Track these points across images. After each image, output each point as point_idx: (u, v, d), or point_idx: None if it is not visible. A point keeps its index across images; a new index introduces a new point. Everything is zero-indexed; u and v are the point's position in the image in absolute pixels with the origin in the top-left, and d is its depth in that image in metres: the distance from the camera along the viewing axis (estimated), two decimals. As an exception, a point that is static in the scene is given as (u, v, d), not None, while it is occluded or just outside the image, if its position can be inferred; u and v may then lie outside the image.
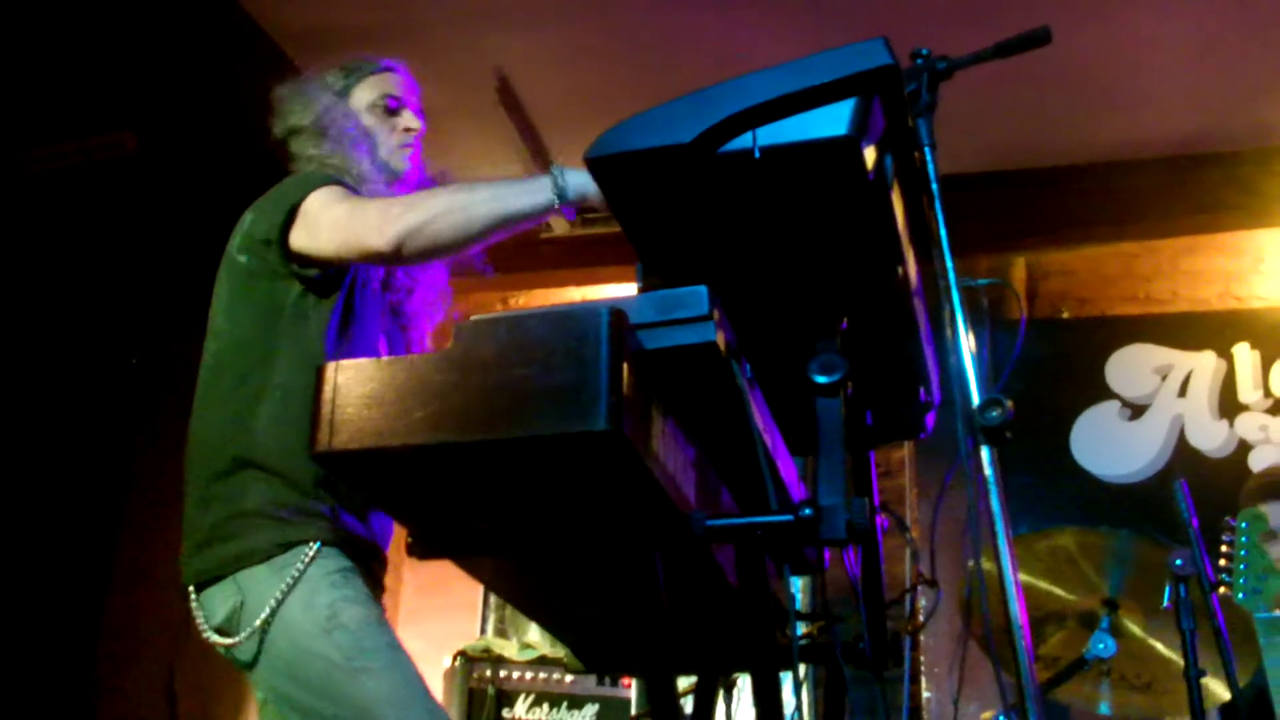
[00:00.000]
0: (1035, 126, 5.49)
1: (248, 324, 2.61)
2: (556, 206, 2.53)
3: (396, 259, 2.49)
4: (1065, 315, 6.02)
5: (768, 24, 4.80)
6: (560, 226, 6.22)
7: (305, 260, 2.57)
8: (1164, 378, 5.75)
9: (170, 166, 4.60)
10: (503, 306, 6.81)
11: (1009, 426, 1.64)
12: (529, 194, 2.53)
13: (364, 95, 2.92)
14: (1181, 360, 5.75)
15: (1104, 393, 5.80)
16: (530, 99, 5.41)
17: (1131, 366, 5.80)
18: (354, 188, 2.69)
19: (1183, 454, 5.62)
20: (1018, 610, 1.53)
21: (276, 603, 2.36)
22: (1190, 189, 5.58)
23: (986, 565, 2.02)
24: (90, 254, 4.42)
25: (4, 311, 4.07)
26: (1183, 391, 5.71)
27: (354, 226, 2.50)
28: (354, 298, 2.67)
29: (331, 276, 2.61)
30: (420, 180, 2.92)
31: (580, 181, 2.53)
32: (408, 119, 2.93)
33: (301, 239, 2.56)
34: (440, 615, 6.17)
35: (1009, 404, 1.64)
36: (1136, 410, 5.74)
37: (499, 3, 4.79)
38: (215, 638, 2.43)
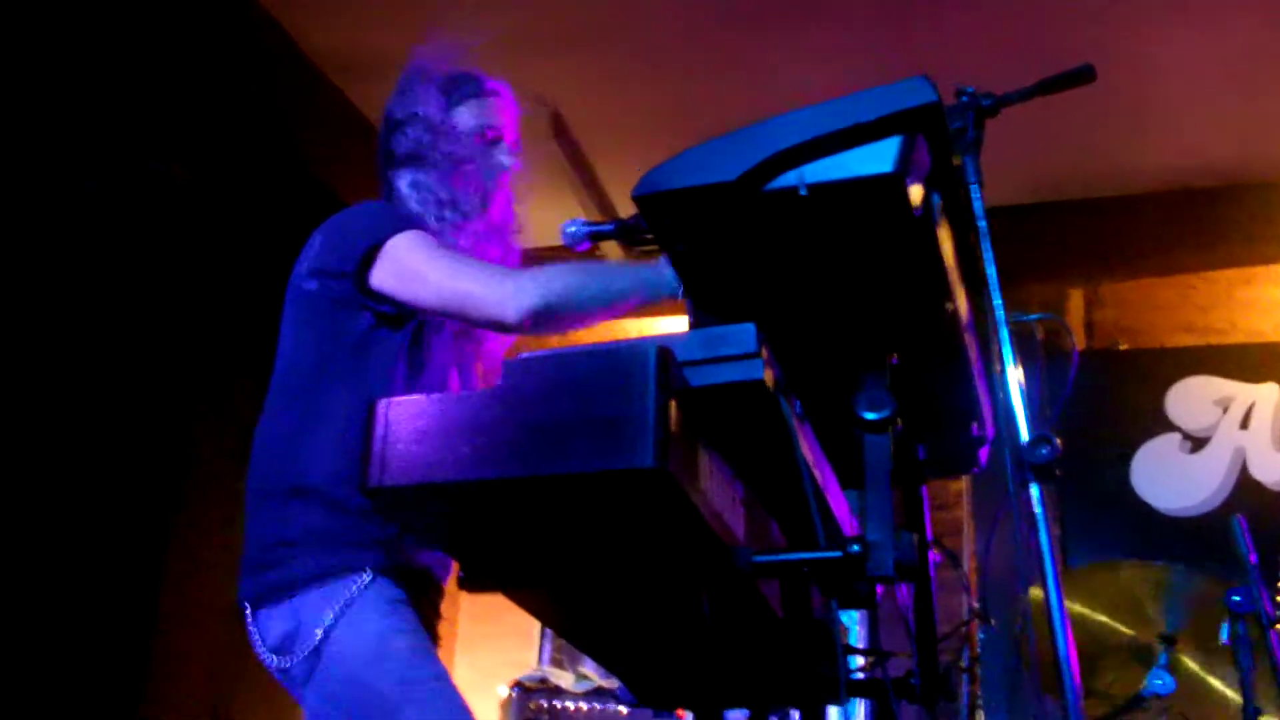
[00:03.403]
0: (1086, 157, 5.48)
1: (311, 349, 2.64)
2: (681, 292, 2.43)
3: (521, 330, 2.53)
4: (1123, 346, 5.98)
5: (805, 45, 4.82)
6: (614, 256, 6.23)
7: (381, 299, 2.59)
8: (1225, 409, 5.69)
9: (218, 193, 4.67)
10: (559, 339, 6.82)
11: (1058, 463, 1.64)
12: (657, 278, 2.52)
13: (464, 120, 2.86)
14: (1243, 392, 5.69)
15: (1164, 425, 5.76)
16: (576, 124, 5.45)
17: (1192, 398, 5.76)
18: (436, 232, 2.69)
19: (1245, 487, 5.57)
20: (1066, 647, 1.53)
21: (327, 628, 2.39)
22: (1243, 217, 5.55)
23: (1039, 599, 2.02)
24: (142, 282, 4.49)
25: (59, 334, 4.14)
26: (1245, 423, 5.65)
27: (476, 290, 2.51)
28: (423, 328, 2.68)
29: (406, 311, 2.62)
30: (498, 222, 2.88)
31: None
32: (501, 154, 2.87)
33: (388, 282, 2.56)
34: (496, 644, 6.18)
35: (1057, 441, 1.64)
36: (1197, 442, 5.69)
37: (542, 29, 4.85)
38: (272, 657, 2.46)
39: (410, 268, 2.56)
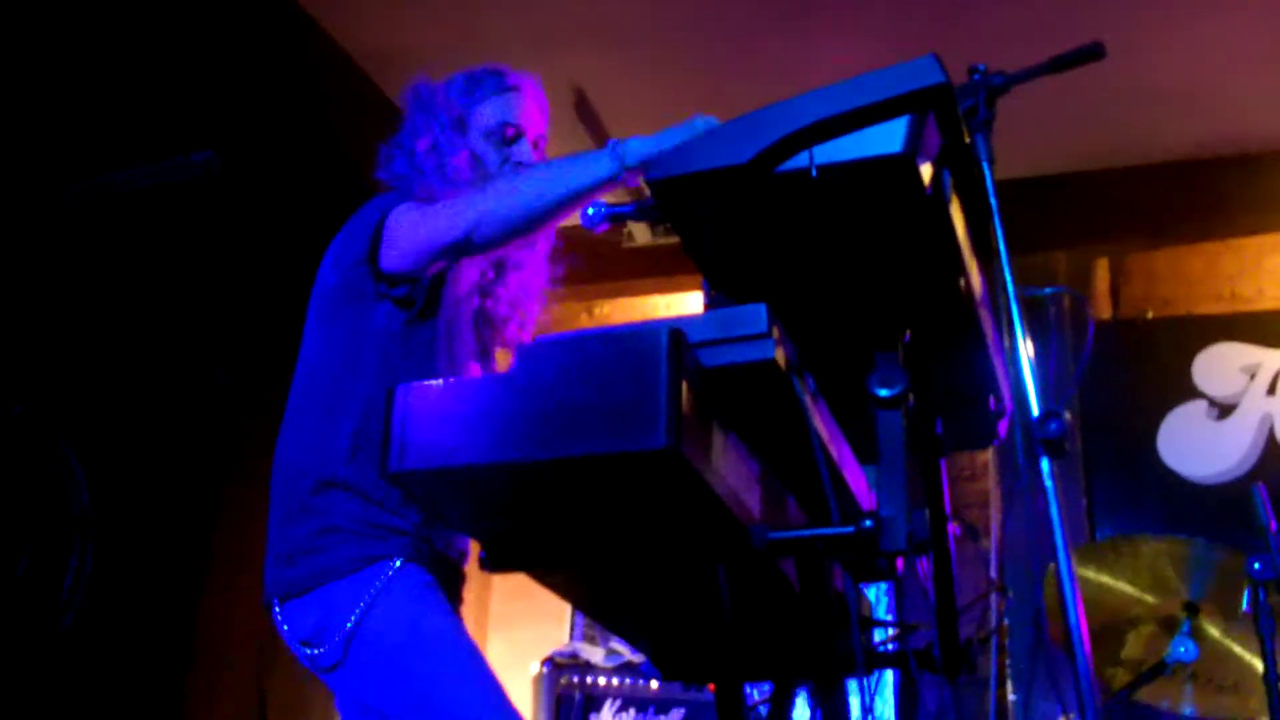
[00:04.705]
0: (1116, 127, 5.45)
1: (336, 344, 2.68)
2: (621, 176, 2.50)
3: (471, 247, 2.57)
4: (1150, 315, 5.96)
5: (833, 41, 4.85)
6: (642, 236, 6.23)
7: (394, 279, 2.64)
8: (1252, 376, 5.67)
9: (255, 186, 4.70)
10: (588, 316, 6.87)
11: (1068, 438, 1.65)
12: (590, 166, 2.52)
13: (484, 118, 2.88)
14: (1270, 358, 5.66)
15: (1191, 392, 5.74)
16: (606, 114, 5.48)
17: (1218, 365, 5.73)
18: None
19: (1272, 453, 5.55)
20: (1077, 620, 1.55)
21: (359, 616, 2.42)
22: (1269, 185, 5.51)
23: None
24: (177, 275, 4.52)
25: (93, 333, 4.17)
26: (1272, 390, 5.63)
27: (427, 227, 2.59)
28: (446, 316, 2.73)
29: (421, 294, 2.66)
30: None
31: (638, 146, 2.51)
32: (521, 151, 2.88)
33: (392, 257, 2.63)
34: (528, 621, 6.23)
35: (1066, 416, 1.65)
36: (1224, 409, 5.67)
37: (575, 21, 4.91)
38: (303, 649, 2.50)
39: (393, 235, 2.63)
